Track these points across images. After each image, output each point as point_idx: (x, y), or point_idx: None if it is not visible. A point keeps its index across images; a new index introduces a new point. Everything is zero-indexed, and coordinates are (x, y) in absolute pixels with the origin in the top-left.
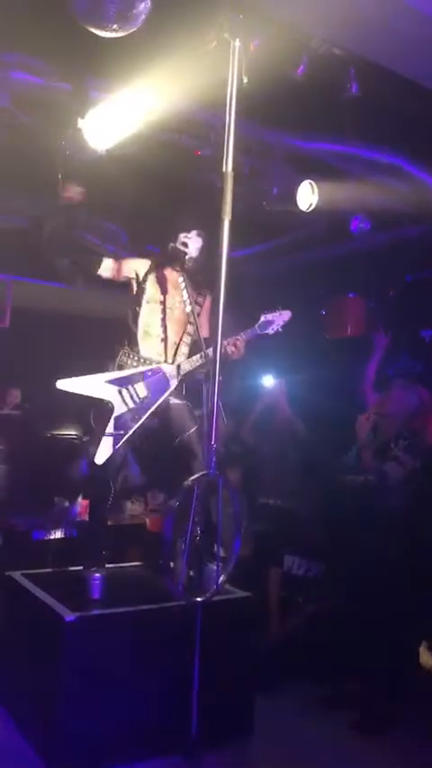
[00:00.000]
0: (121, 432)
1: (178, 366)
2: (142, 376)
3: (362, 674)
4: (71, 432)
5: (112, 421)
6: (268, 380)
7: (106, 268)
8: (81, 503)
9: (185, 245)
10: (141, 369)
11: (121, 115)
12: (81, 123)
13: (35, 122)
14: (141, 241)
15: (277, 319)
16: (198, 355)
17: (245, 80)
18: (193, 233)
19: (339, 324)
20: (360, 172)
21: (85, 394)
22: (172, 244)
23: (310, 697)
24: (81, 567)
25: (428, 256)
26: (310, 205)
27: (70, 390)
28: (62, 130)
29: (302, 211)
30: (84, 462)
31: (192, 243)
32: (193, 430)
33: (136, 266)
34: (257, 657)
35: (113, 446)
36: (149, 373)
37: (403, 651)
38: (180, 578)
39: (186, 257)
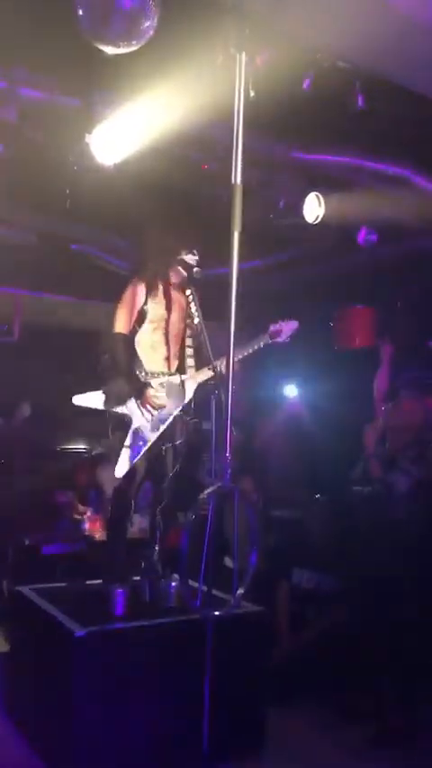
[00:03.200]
0: (141, 443)
1: (189, 378)
2: (159, 386)
3: (375, 689)
4: (80, 445)
5: (130, 433)
6: (291, 390)
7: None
8: (90, 517)
9: (187, 263)
10: (158, 379)
11: (128, 130)
12: (89, 138)
13: (43, 138)
14: (148, 257)
15: (285, 328)
16: (207, 368)
17: (251, 94)
18: (192, 252)
19: (347, 335)
20: (367, 183)
21: (102, 408)
22: (177, 264)
23: (322, 711)
24: (101, 581)
25: None
26: (317, 217)
27: (86, 405)
28: (70, 146)
29: (309, 223)
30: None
31: (192, 260)
32: (179, 442)
33: (141, 293)
34: (269, 672)
35: (133, 458)
36: (166, 383)
37: (416, 664)
38: (197, 592)
39: (191, 274)
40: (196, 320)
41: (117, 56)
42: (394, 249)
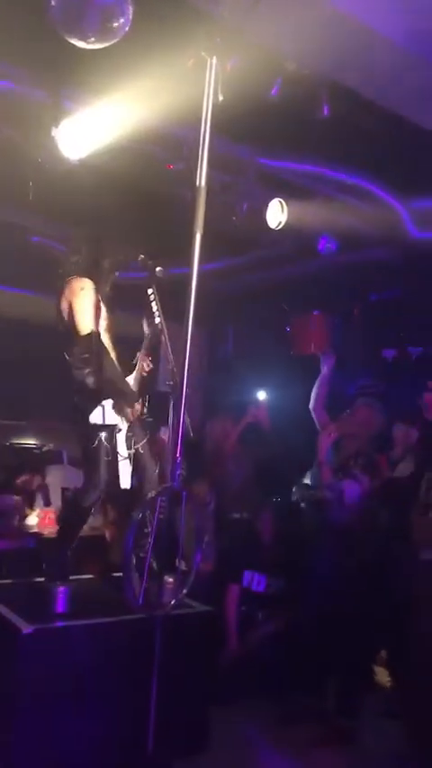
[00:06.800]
0: (132, 450)
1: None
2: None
3: (319, 691)
4: (30, 441)
5: (122, 442)
6: (261, 395)
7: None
8: (39, 514)
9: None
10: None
11: (95, 126)
12: (55, 132)
13: (8, 129)
14: (108, 253)
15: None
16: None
17: (220, 98)
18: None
19: (304, 341)
20: (328, 192)
21: (111, 424)
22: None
23: (267, 712)
24: (43, 579)
25: (392, 277)
26: (280, 223)
27: (104, 423)
28: (36, 138)
29: (271, 229)
30: None
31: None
32: (143, 441)
33: (92, 291)
34: (216, 672)
35: (130, 464)
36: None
37: (360, 668)
38: (139, 591)
39: (154, 273)
40: (157, 320)
41: (87, 51)
42: (353, 257)
